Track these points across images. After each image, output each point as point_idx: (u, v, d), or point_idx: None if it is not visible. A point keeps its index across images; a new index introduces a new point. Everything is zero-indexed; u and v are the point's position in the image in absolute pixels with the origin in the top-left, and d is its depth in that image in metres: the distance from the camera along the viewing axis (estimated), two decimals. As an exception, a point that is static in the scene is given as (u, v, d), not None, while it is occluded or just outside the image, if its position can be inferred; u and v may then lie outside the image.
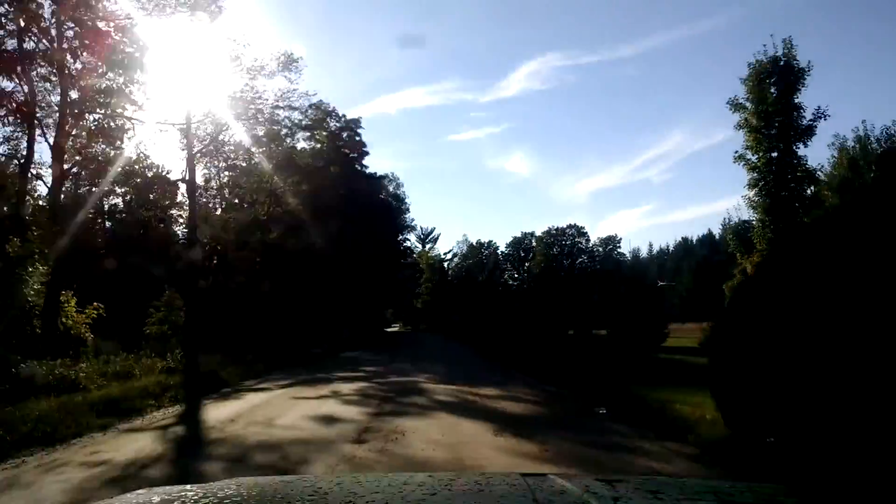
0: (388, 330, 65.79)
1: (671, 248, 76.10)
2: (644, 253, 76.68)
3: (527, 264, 75.64)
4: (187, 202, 19.56)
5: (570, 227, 69.82)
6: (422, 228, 75.35)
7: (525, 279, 74.89)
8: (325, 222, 25.90)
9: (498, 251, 76.39)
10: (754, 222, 16.68)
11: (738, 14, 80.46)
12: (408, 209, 50.60)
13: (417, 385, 13.17)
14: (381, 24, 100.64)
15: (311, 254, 25.52)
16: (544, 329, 31.02)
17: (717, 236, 70.45)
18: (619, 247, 69.01)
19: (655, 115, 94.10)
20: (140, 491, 1.10)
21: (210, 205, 27.36)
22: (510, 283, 75.12)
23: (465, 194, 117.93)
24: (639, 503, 1.05)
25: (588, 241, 69.45)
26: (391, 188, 47.48)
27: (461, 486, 1.19)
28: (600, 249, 69.55)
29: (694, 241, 72.32)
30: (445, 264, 73.03)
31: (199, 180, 24.64)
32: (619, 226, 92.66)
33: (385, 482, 1.22)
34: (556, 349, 22.14)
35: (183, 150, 19.74)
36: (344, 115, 35.12)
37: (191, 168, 18.49)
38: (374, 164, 50.10)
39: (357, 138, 35.50)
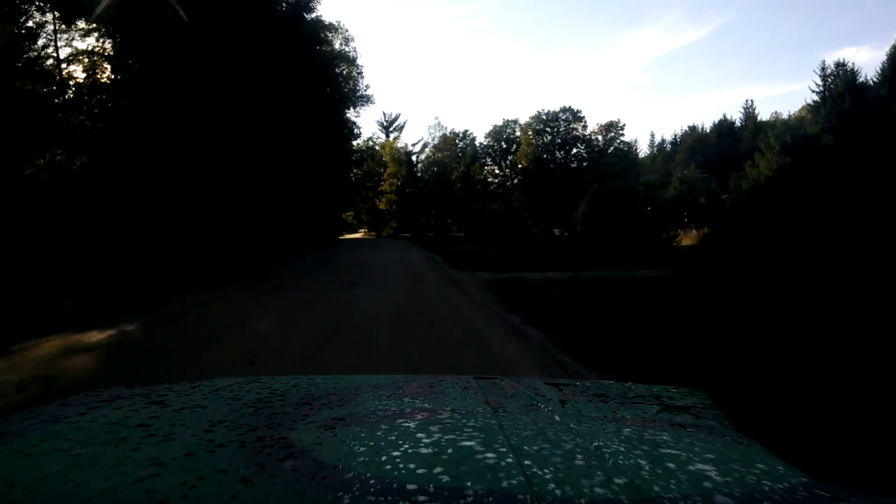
0: (347, 237, 54.88)
1: (677, 138, 65.22)
2: (644, 146, 65.76)
3: (510, 157, 64.31)
4: None
5: (563, 110, 57.92)
6: (384, 114, 62.37)
7: (508, 175, 63.88)
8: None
9: (476, 142, 64.59)
10: None
11: None
12: (360, 73, 37.42)
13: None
14: None
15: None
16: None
17: (737, 122, 59.64)
18: (623, 134, 57.78)
19: (628, 14, 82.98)
20: (91, 392, 1.09)
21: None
22: (489, 179, 64.12)
23: (437, 81, 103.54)
24: (585, 405, 1.07)
25: (585, 127, 57.93)
26: (337, 44, 34.15)
27: (415, 388, 1.18)
28: (599, 138, 58.29)
29: (707, 129, 61.40)
30: (414, 157, 60.90)
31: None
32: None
33: (341, 384, 1.21)
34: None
35: None
36: None
37: None
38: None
39: None
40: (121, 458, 0.73)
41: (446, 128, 61.67)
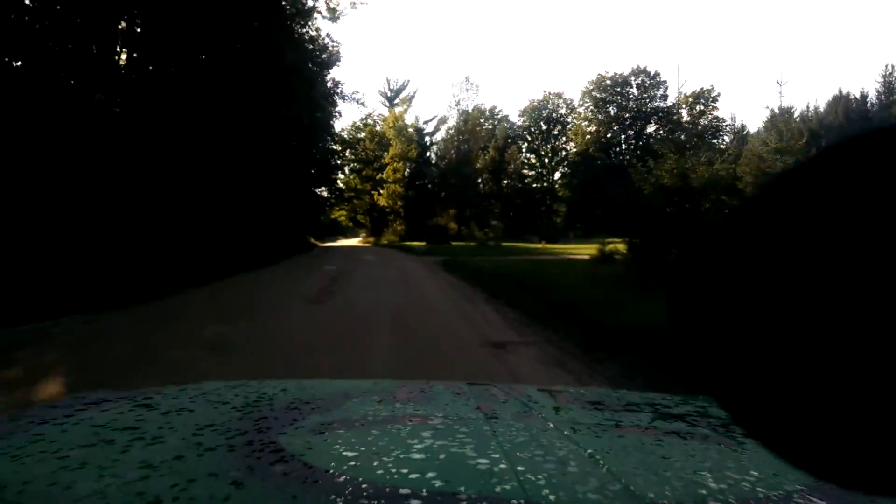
0: (330, 245, 39.54)
1: (776, 117, 49.20)
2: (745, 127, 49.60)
3: (552, 142, 48.53)
4: None
5: (636, 72, 42.10)
6: (388, 81, 46.88)
7: (551, 166, 48.10)
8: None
9: (507, 122, 48.87)
10: None
11: None
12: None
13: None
14: None
15: None
16: None
17: (871, 97, 43.54)
18: (716, 108, 41.72)
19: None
20: (74, 394, 1.09)
21: None
22: (525, 171, 48.34)
23: (456, 43, 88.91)
24: (579, 412, 1.06)
25: (666, 97, 42.01)
26: None
27: (406, 394, 1.18)
28: (683, 112, 42.28)
29: (820, 108, 45.39)
30: (427, 138, 45.33)
31: None
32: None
33: (330, 388, 1.20)
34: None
35: None
36: None
37: None
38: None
39: None
40: (109, 460, 0.73)
41: (477, 87, 45.93)
